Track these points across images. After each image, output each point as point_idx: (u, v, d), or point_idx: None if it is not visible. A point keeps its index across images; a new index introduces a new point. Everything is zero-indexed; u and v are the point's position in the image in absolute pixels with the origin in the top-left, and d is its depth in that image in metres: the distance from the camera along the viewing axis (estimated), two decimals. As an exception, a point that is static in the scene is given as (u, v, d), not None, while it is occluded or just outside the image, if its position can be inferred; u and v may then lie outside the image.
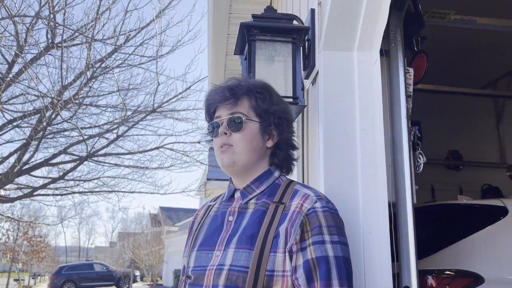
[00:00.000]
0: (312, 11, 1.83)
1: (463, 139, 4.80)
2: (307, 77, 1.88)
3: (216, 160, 1.35)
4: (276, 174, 1.34)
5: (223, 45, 4.16)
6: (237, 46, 1.91)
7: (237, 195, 1.33)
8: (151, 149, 7.35)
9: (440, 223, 2.79)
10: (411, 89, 1.68)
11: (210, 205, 1.44)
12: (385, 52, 1.67)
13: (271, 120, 1.31)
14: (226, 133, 1.29)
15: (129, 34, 5.97)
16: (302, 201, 1.22)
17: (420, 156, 1.62)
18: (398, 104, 1.62)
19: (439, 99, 4.56)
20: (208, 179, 10.20)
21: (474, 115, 4.93)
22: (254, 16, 1.79)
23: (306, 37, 1.84)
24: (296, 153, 1.40)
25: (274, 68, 1.76)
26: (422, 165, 1.62)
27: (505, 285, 2.34)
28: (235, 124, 1.28)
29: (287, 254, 1.17)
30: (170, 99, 6.92)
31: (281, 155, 1.34)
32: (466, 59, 4.23)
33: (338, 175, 1.51)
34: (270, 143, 1.33)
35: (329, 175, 1.51)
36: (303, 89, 1.83)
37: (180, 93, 6.92)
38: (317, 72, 1.76)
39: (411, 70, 1.70)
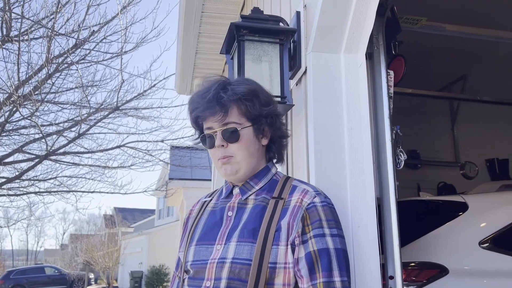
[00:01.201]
0: (298, 13, 1.89)
1: (421, 140, 5.03)
2: (292, 78, 1.93)
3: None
4: (274, 170, 1.39)
5: (194, 44, 4.14)
6: (224, 45, 1.94)
7: (236, 191, 1.36)
8: (113, 148, 7.18)
9: (406, 218, 2.93)
10: (392, 90, 1.78)
11: (205, 201, 1.47)
12: (368, 55, 1.75)
13: (263, 122, 1.33)
14: (223, 145, 1.29)
15: (93, 30, 5.81)
16: (302, 196, 1.27)
17: (401, 153, 1.72)
18: (381, 104, 1.71)
19: (399, 100, 4.75)
20: (170, 179, 10.05)
21: (431, 116, 5.20)
22: (242, 16, 1.82)
23: (292, 39, 1.89)
24: (285, 141, 1.43)
25: (262, 68, 1.80)
26: (402, 162, 1.72)
27: (466, 275, 2.51)
28: (231, 135, 1.28)
29: (289, 246, 1.21)
30: (135, 96, 6.79)
31: (275, 147, 1.39)
32: (423, 63, 4.45)
33: (328, 172, 1.57)
34: (264, 141, 1.37)
35: (320, 172, 1.57)
36: (288, 89, 1.88)
37: (145, 91, 6.79)
38: (303, 73, 1.82)
39: (392, 73, 1.80)
